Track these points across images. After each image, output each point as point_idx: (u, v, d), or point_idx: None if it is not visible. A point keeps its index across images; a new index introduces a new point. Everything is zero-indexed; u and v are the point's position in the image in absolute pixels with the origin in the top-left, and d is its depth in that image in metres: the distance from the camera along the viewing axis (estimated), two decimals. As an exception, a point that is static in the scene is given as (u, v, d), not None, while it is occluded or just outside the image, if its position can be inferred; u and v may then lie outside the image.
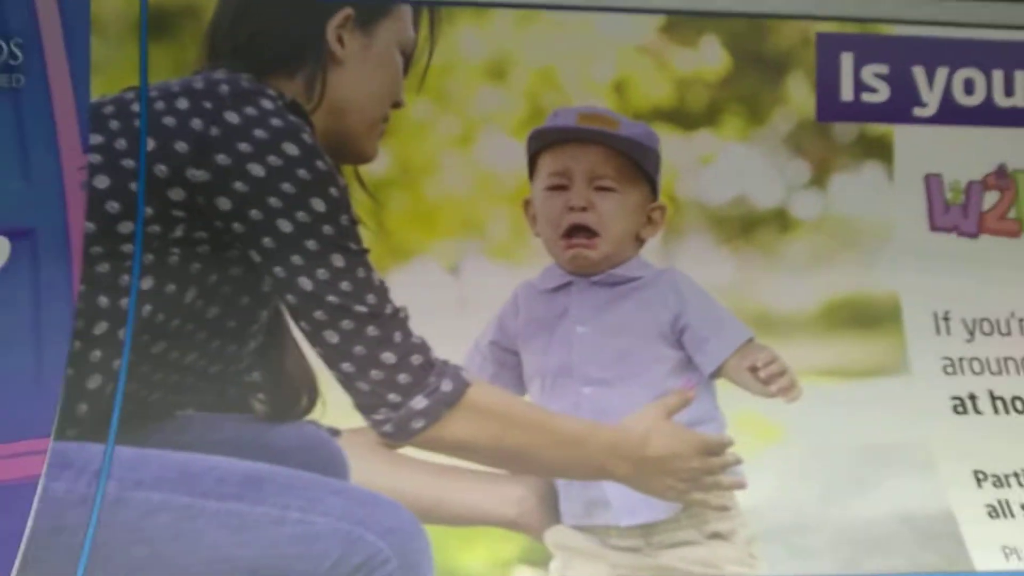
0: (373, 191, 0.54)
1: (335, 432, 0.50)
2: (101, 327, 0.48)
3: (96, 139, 0.49)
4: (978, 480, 0.52)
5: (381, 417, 0.49)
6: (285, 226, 0.48)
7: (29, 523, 0.44)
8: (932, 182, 0.58)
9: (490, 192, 0.55)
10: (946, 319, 0.57)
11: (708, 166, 0.56)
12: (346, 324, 0.48)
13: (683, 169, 0.56)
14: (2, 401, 0.47)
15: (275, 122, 0.49)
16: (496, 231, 0.55)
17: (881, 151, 0.58)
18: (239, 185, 0.48)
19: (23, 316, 0.48)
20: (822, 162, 0.57)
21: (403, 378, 0.49)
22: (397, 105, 0.54)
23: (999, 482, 0.53)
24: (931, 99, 0.59)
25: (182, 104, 0.49)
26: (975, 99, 0.59)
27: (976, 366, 0.56)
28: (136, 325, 0.48)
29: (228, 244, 0.49)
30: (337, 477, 0.48)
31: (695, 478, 0.50)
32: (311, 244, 0.49)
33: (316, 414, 0.50)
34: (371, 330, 0.49)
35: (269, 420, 0.50)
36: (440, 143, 0.55)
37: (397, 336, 0.49)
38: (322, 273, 0.49)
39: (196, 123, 0.49)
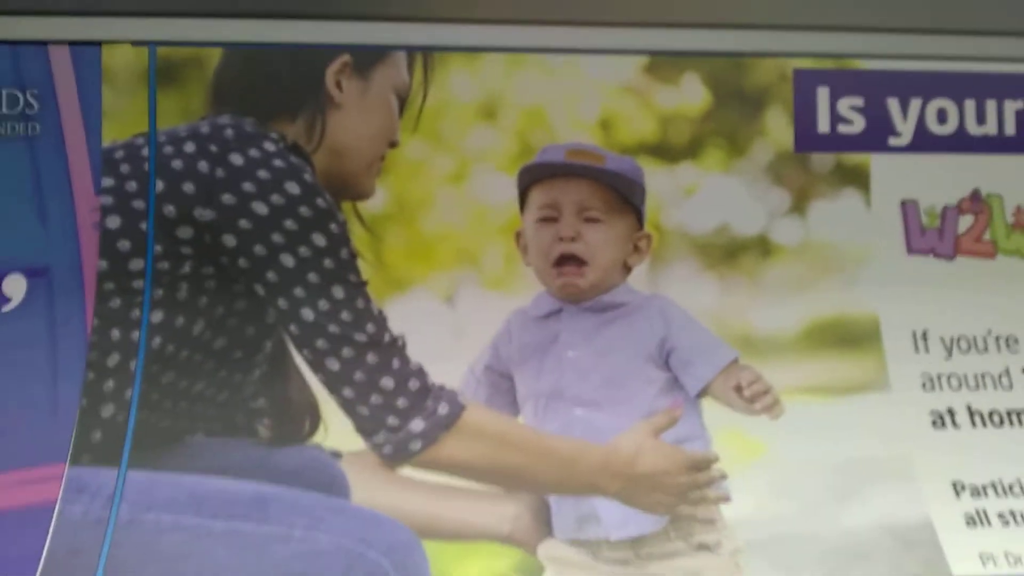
0: (371, 226, 0.57)
1: (337, 454, 0.52)
2: (114, 359, 0.51)
3: (108, 182, 0.53)
4: (956, 491, 0.54)
5: (380, 440, 0.51)
6: (288, 261, 0.51)
7: (46, 545, 0.47)
8: (908, 207, 0.61)
9: (483, 225, 0.58)
10: (924, 338, 0.59)
11: (691, 196, 0.59)
12: (346, 352, 0.51)
13: (668, 200, 0.59)
14: (20, 429, 0.49)
15: (277, 163, 0.52)
16: (489, 262, 0.58)
17: (858, 179, 0.60)
18: (244, 223, 0.51)
19: (40, 349, 0.51)
20: (801, 191, 0.60)
21: (401, 402, 0.51)
22: (393, 145, 0.57)
23: (976, 492, 0.54)
24: (905, 129, 0.61)
25: (189, 148, 0.52)
26: (948, 128, 0.62)
27: (954, 382, 0.58)
28: (147, 356, 0.51)
29: (233, 279, 0.52)
30: (339, 497, 0.50)
31: (683, 493, 0.52)
32: (313, 277, 0.51)
33: (318, 438, 0.52)
34: (370, 357, 0.51)
35: (274, 444, 0.52)
36: (435, 180, 0.58)
37: (395, 363, 0.51)
38: (323, 304, 0.51)
39: (203, 165, 0.52)
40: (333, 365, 0.51)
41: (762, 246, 0.59)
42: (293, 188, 0.52)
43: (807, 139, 0.60)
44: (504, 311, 0.57)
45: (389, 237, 0.57)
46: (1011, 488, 0.56)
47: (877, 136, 0.61)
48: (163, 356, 0.51)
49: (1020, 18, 0.63)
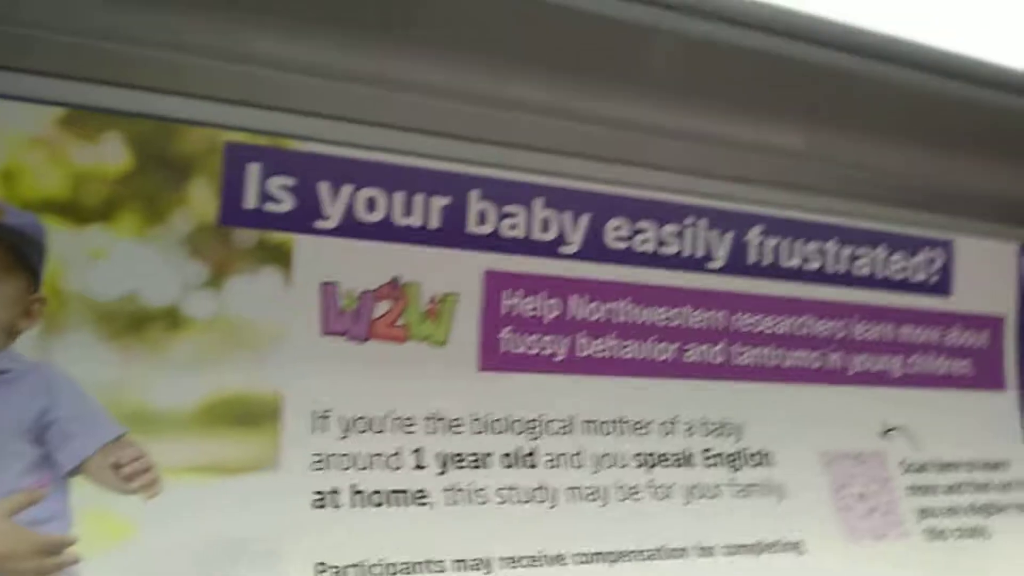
0: None
1: None
2: None
3: None
4: (317, 572, 0.57)
5: None
6: None
7: None
8: (328, 289, 0.63)
9: None
10: (324, 417, 0.61)
11: (99, 261, 0.57)
12: None
13: (71, 263, 0.56)
14: None
15: None
16: None
17: (280, 258, 0.62)
18: None
19: None
20: (220, 264, 0.60)
21: None
22: None
23: (338, 573, 0.58)
24: (333, 213, 0.63)
25: None
26: (376, 216, 0.65)
27: (345, 462, 0.61)
28: None
29: None
30: None
31: (26, 581, 0.51)
32: None
33: None
34: None
35: None
36: None
37: None
38: None
39: None
40: None
41: (171, 318, 0.58)
42: None
43: (232, 214, 0.60)
44: None
45: None
46: (371, 568, 0.60)
47: (304, 217, 0.62)
48: None
49: (452, 122, 0.67)
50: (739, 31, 0.74)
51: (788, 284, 0.83)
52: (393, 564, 0.61)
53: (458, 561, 0.63)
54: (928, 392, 0.90)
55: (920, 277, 0.90)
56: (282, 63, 0.62)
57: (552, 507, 0.67)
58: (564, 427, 0.70)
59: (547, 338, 0.71)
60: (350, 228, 0.64)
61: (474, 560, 0.63)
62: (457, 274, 0.67)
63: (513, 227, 0.70)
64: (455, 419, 0.66)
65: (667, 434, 0.74)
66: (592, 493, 0.69)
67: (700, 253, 0.78)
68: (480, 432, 0.67)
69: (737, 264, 0.80)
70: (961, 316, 0.92)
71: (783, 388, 0.81)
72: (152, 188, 0.59)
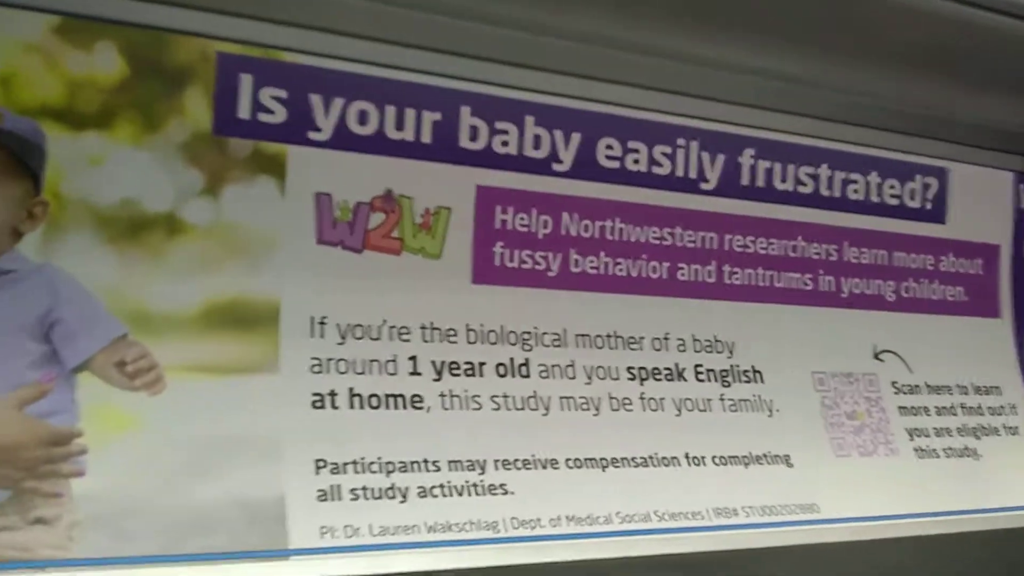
0: None
1: None
2: None
3: None
4: (317, 468, 0.59)
5: None
6: None
7: None
8: (322, 200, 0.64)
9: None
10: (322, 323, 0.63)
11: (97, 167, 0.58)
12: None
13: (70, 168, 0.58)
14: None
15: None
16: None
17: (275, 168, 0.63)
18: None
19: None
20: (216, 173, 0.61)
21: None
22: None
23: (337, 470, 0.59)
24: (326, 125, 0.65)
25: None
26: (367, 129, 0.66)
27: (342, 366, 0.62)
28: None
29: None
30: None
31: (33, 467, 0.52)
32: None
33: None
34: None
35: None
36: None
37: None
38: None
39: None
40: None
41: (169, 224, 0.60)
42: None
43: (226, 123, 0.61)
44: None
45: None
46: (370, 465, 0.62)
47: (297, 129, 0.63)
48: None
49: (443, 38, 0.68)
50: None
51: (780, 207, 0.83)
52: (391, 463, 0.62)
53: (453, 462, 0.64)
54: (922, 317, 0.91)
55: (915, 204, 0.90)
56: (274, -25, 0.63)
57: (545, 415, 0.69)
58: (557, 340, 0.71)
59: (540, 253, 0.72)
60: (343, 140, 0.65)
61: (469, 461, 0.65)
62: (450, 188, 0.69)
63: (505, 144, 0.71)
64: (450, 329, 0.68)
65: (659, 349, 0.75)
66: (585, 403, 0.71)
67: (692, 174, 0.79)
68: (474, 342, 0.68)
69: (729, 186, 0.81)
70: (955, 243, 0.93)
71: (775, 308, 0.82)
72: (147, 97, 0.60)
